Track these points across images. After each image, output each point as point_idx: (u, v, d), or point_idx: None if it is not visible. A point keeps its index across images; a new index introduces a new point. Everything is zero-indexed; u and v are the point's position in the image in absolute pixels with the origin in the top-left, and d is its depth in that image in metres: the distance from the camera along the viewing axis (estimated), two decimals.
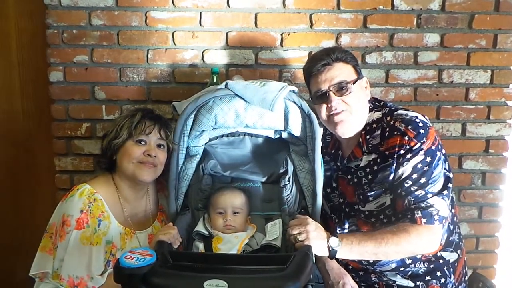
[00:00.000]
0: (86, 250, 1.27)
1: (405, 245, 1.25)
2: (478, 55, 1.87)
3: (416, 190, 1.27)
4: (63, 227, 1.27)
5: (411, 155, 1.28)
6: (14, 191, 2.08)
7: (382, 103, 1.44)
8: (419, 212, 1.26)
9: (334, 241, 1.23)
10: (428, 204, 1.26)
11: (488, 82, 1.90)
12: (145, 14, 1.80)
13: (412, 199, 1.28)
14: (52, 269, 1.27)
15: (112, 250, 1.33)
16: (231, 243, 1.29)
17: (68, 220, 1.28)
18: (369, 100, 1.43)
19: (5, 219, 2.10)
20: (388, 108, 1.40)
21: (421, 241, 1.27)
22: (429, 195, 1.27)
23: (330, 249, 1.23)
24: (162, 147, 1.42)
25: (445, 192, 1.29)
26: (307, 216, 1.30)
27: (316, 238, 1.22)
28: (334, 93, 1.34)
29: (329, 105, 1.34)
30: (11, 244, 2.11)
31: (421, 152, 1.28)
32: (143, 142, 1.39)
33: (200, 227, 1.36)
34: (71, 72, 1.83)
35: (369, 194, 1.37)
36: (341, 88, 1.34)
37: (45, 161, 1.96)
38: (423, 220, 1.25)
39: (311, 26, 1.83)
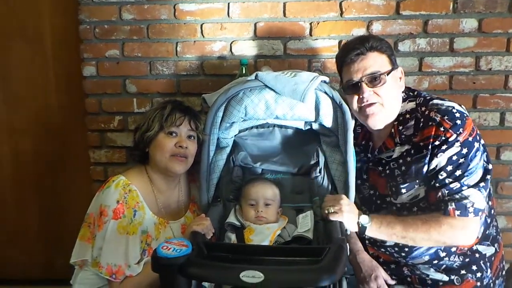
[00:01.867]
0: (123, 239, 1.31)
1: (434, 234, 1.24)
2: None
3: (451, 182, 1.24)
4: (100, 217, 1.31)
5: (446, 146, 1.24)
6: (52, 182, 2.16)
7: (416, 93, 1.40)
8: (453, 204, 1.23)
9: (364, 218, 1.28)
10: (463, 196, 1.23)
11: None
12: (174, 7, 1.82)
13: (446, 191, 1.25)
14: (91, 257, 1.32)
15: (147, 239, 1.36)
16: (263, 234, 1.30)
17: (105, 210, 1.32)
18: (402, 90, 1.39)
19: (44, 208, 2.20)
20: (422, 98, 1.36)
21: (453, 233, 1.24)
22: (464, 188, 1.23)
23: (360, 225, 1.27)
24: (192, 138, 1.44)
25: (482, 184, 1.24)
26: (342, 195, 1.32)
27: (348, 212, 1.26)
28: (366, 84, 1.30)
29: (361, 96, 1.31)
30: (50, 233, 2.21)
31: (457, 144, 1.24)
32: (174, 134, 1.41)
33: (231, 218, 1.37)
34: (103, 66, 1.87)
35: (401, 186, 1.34)
36: (374, 79, 1.30)
37: (80, 154, 2.02)
38: (457, 212, 1.23)
39: (341, 14, 1.79)
